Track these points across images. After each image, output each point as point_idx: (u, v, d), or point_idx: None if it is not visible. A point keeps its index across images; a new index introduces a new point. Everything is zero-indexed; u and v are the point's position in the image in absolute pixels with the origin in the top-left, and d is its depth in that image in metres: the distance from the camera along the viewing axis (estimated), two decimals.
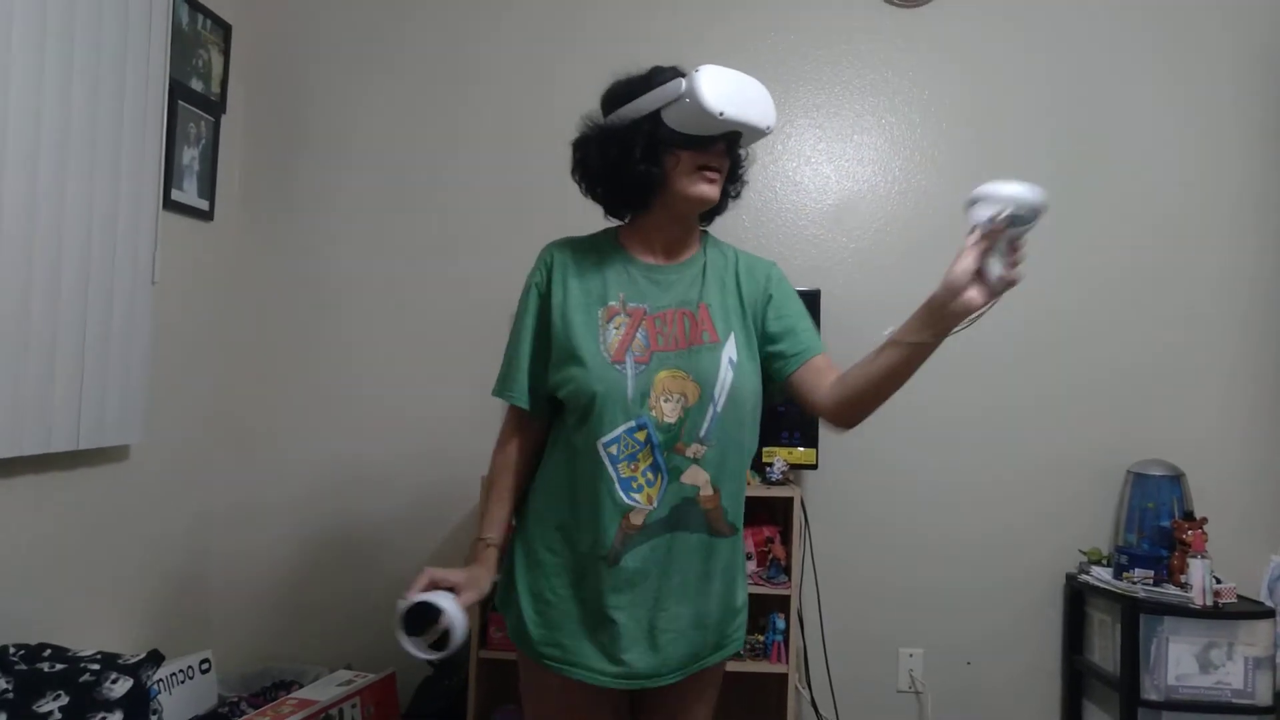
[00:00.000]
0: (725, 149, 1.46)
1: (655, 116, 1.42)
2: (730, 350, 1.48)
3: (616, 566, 1.42)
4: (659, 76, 1.45)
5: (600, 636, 1.44)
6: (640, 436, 1.40)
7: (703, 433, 1.43)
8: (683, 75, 1.41)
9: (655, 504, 1.41)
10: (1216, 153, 2.74)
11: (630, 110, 1.45)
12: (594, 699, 1.47)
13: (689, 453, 1.42)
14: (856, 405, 1.42)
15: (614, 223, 1.59)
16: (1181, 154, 2.75)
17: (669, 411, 1.41)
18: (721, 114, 1.37)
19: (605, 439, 1.40)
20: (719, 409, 1.44)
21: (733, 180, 1.56)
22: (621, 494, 1.40)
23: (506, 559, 1.55)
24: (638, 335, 1.44)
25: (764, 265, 1.61)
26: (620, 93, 1.49)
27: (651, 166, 1.43)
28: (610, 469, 1.40)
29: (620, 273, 1.50)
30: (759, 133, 1.46)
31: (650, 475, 1.41)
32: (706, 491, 1.44)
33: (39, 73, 2.00)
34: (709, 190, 1.45)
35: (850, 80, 2.84)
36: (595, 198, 1.54)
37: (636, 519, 1.41)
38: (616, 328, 1.45)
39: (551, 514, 1.48)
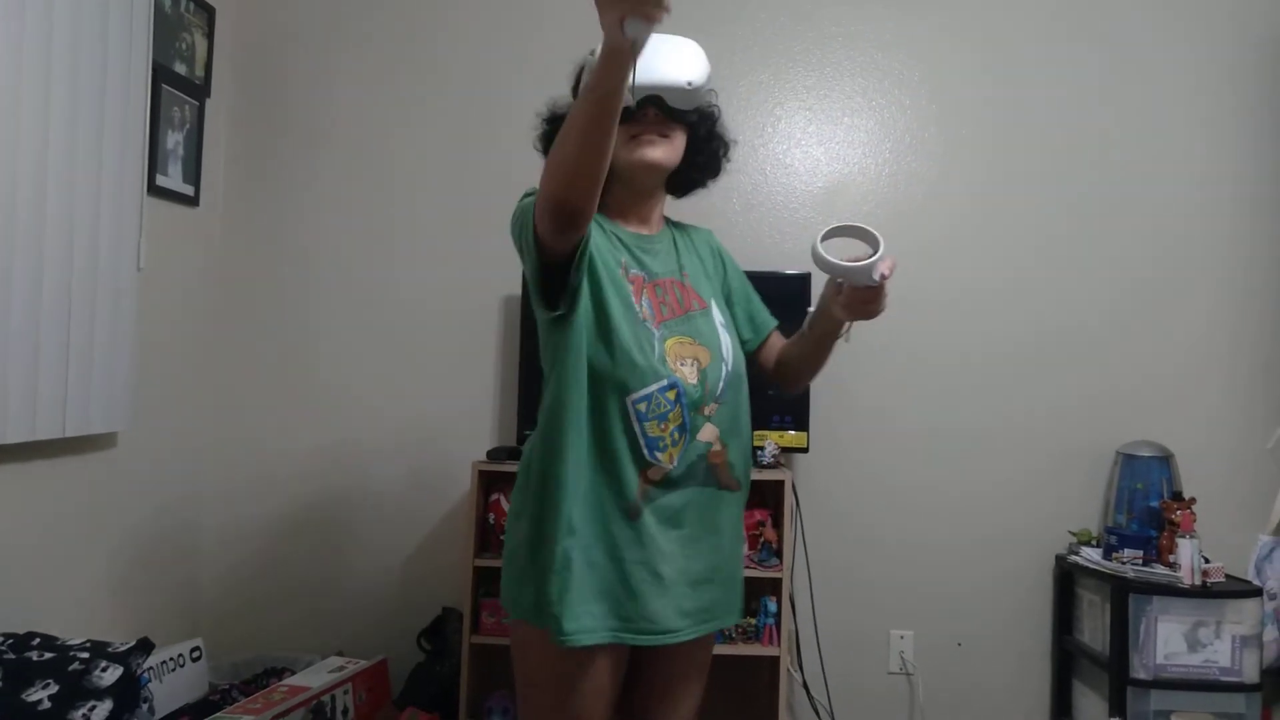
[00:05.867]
0: (659, 113, 1.42)
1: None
2: (718, 315, 1.52)
3: (638, 522, 1.40)
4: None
5: (623, 594, 1.39)
6: (670, 396, 1.40)
7: (719, 392, 1.45)
8: None
9: (675, 463, 1.41)
10: (1212, 136, 2.74)
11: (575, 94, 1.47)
12: (605, 663, 1.41)
13: (705, 411, 1.44)
14: (799, 378, 1.62)
15: None
16: (1176, 137, 2.75)
17: (689, 375, 1.42)
18: None
19: (635, 396, 1.38)
20: (730, 368, 1.47)
21: (698, 150, 1.52)
22: (646, 452, 1.39)
23: (512, 536, 1.47)
24: (643, 302, 1.45)
25: (705, 233, 1.65)
26: (576, 78, 1.52)
27: None
28: (637, 425, 1.38)
29: (614, 240, 1.49)
30: (679, 90, 1.40)
31: (676, 435, 1.41)
32: (716, 447, 1.46)
33: (17, 56, 1.96)
34: (651, 153, 1.43)
35: (840, 62, 2.82)
36: None
37: (655, 475, 1.41)
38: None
39: (573, 476, 1.39)
